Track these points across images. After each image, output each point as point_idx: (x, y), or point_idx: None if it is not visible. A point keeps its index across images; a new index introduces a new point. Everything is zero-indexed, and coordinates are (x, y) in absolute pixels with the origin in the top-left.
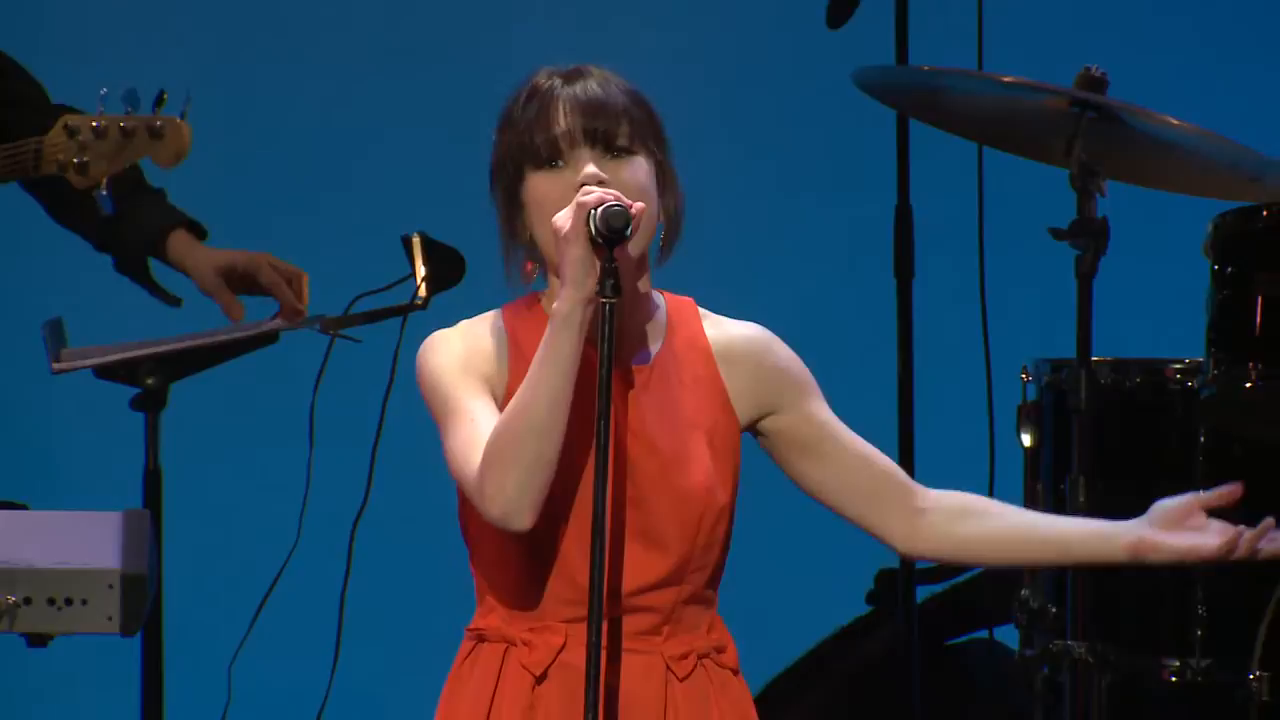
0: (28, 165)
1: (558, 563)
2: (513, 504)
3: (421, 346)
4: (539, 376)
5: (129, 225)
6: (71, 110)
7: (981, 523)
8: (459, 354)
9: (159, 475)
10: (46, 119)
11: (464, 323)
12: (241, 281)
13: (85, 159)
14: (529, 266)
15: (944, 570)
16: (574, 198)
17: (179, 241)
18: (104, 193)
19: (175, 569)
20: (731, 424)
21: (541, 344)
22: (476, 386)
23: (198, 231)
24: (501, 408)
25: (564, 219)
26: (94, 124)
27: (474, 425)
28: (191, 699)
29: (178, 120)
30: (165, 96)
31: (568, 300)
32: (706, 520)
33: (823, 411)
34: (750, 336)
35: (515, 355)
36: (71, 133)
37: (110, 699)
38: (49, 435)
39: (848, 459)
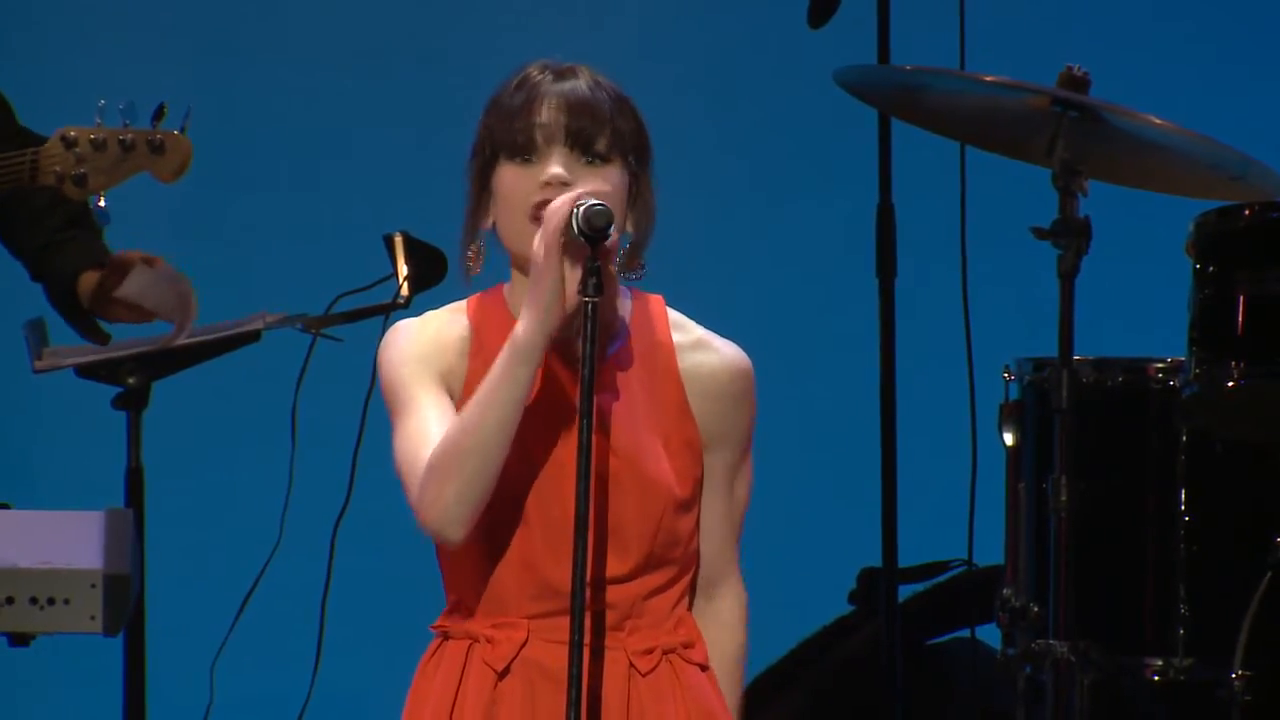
0: (23, 176)
1: (522, 559)
2: (448, 514)
3: (384, 337)
4: (490, 399)
5: (57, 259)
6: (32, 134)
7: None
8: (418, 348)
9: (141, 474)
10: (9, 141)
11: (429, 314)
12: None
13: (83, 171)
14: (472, 251)
15: (926, 569)
16: (535, 195)
17: (88, 282)
18: (102, 205)
19: (157, 569)
20: (691, 431)
21: (497, 364)
22: (431, 383)
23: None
24: (459, 405)
25: (539, 244)
26: (92, 136)
27: (422, 425)
28: (174, 699)
29: (178, 135)
30: (166, 109)
31: (531, 331)
32: (667, 516)
33: (726, 469)
34: (716, 367)
35: (477, 350)
36: (69, 144)
37: (92, 699)
38: (30, 435)
39: (703, 516)
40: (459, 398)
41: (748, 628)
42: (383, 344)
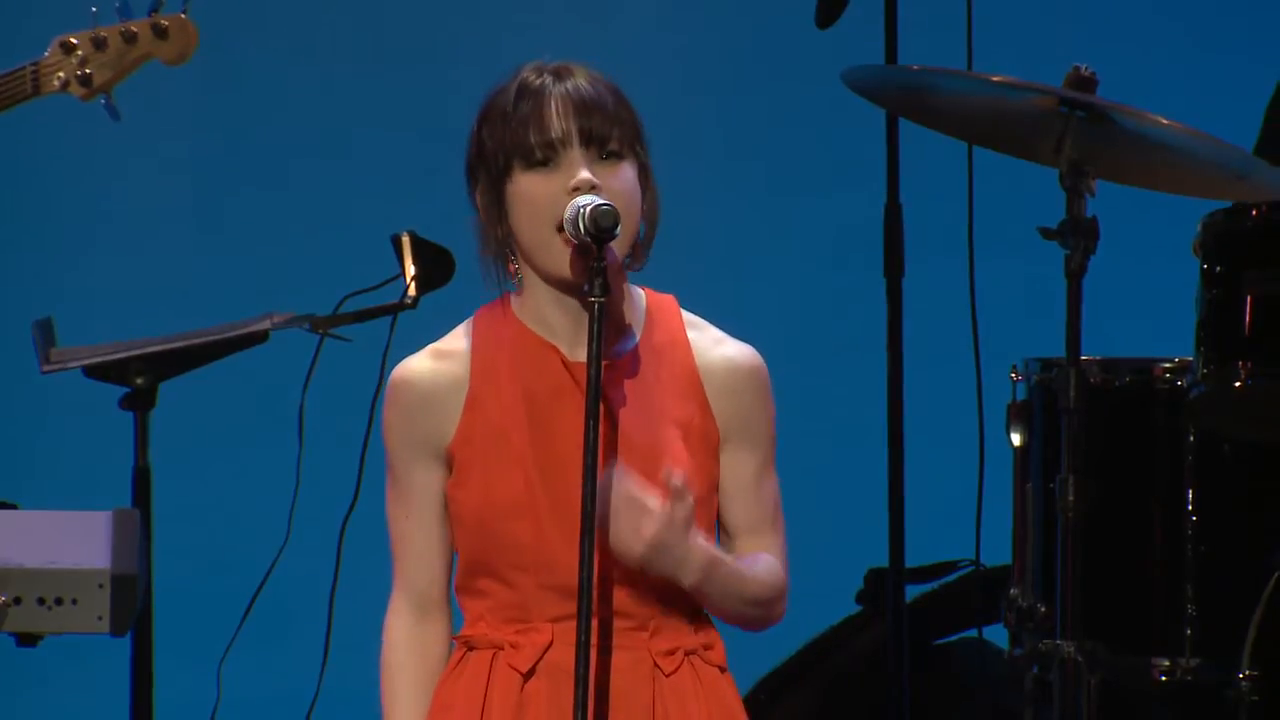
0: (25, 90)
1: (542, 563)
2: None
3: (388, 382)
4: None
5: None
6: None
7: None
8: (405, 419)
9: (148, 475)
10: None
11: (429, 353)
12: None
13: (88, 71)
14: (511, 267)
15: (933, 570)
16: (563, 201)
17: None
18: (111, 103)
19: (165, 568)
20: (709, 426)
21: None
22: (412, 461)
23: None
24: (452, 450)
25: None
26: (93, 37)
27: (400, 511)
28: (181, 698)
29: (182, 17)
30: (163, 0)
31: None
32: None
33: (750, 472)
34: (739, 364)
35: (471, 402)
36: (68, 50)
37: (100, 698)
38: (38, 435)
39: (729, 520)
40: (447, 452)
41: (784, 580)
42: (385, 394)
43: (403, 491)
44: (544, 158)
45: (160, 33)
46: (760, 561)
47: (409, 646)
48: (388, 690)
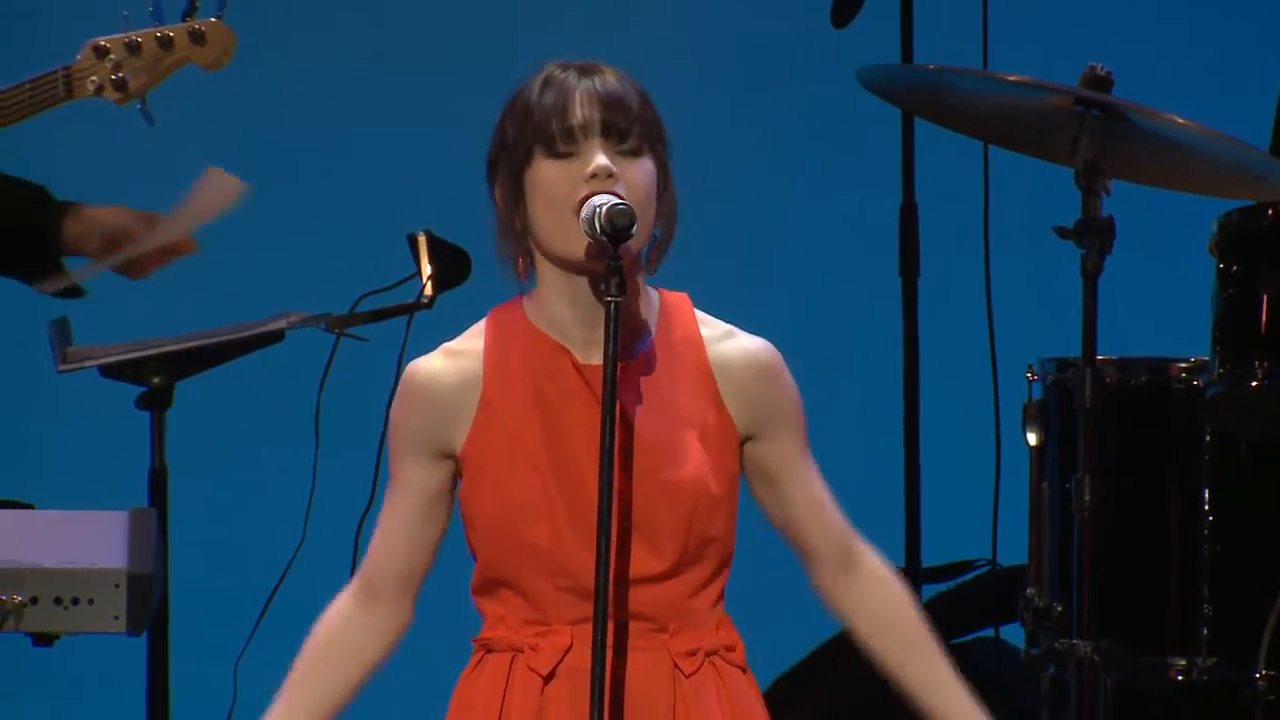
0: (58, 94)
1: (561, 565)
2: None
3: (400, 380)
4: None
5: (29, 238)
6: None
7: (885, 645)
8: (414, 417)
9: (164, 474)
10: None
11: (443, 353)
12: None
13: (123, 75)
14: (520, 264)
15: (949, 569)
16: (581, 188)
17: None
18: (146, 108)
19: (181, 568)
20: (725, 423)
21: None
22: (413, 465)
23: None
24: (464, 454)
25: None
26: (126, 41)
27: (387, 515)
28: (197, 698)
29: (218, 22)
30: (198, 4)
31: None
32: (700, 513)
33: (796, 450)
34: (751, 355)
35: (485, 402)
36: (101, 54)
37: (116, 698)
38: (54, 435)
39: (799, 506)
40: (457, 455)
41: (883, 561)
42: (398, 389)
43: (393, 483)
44: (564, 146)
45: (197, 38)
46: (900, 592)
47: (334, 624)
48: (297, 660)
